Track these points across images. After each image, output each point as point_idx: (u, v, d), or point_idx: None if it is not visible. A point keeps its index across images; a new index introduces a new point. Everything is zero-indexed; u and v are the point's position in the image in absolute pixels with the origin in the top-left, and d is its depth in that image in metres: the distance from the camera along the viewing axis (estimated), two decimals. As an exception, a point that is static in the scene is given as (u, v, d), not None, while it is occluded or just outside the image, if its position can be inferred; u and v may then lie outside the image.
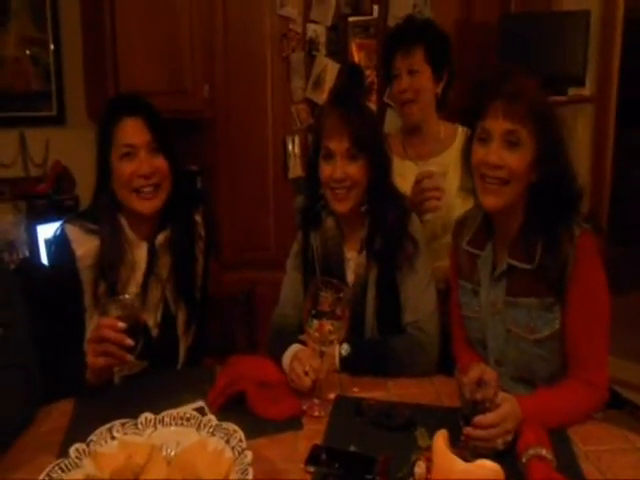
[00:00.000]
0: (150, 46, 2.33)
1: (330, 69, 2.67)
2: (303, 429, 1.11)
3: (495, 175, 1.17)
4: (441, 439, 0.76)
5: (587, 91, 3.10)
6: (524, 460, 0.94)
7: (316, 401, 1.17)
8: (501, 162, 1.16)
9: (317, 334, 1.14)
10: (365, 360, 1.31)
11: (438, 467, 0.74)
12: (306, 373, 1.18)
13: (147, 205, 1.36)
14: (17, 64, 2.33)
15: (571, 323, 1.16)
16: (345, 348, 1.32)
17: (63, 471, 0.85)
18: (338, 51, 2.73)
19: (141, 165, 1.34)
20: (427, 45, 1.66)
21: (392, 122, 2.77)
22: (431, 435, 0.96)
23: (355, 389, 1.24)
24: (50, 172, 2.37)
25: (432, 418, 1.08)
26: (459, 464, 0.73)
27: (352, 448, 1.02)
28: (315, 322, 1.14)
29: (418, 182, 1.50)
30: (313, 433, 1.09)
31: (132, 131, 1.35)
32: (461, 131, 1.71)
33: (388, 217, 1.36)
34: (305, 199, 1.48)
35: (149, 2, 2.33)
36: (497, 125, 1.16)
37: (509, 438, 1.00)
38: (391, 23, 2.81)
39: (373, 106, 2.79)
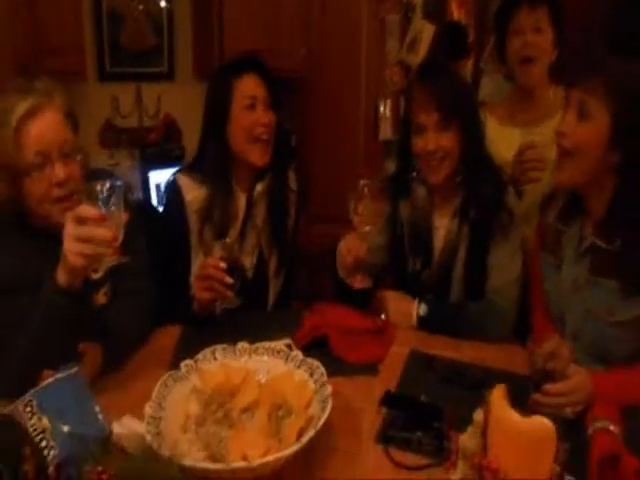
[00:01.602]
0: (252, 8, 2.41)
1: (426, 31, 2.63)
2: (378, 375, 1.21)
3: (559, 142, 1.17)
4: (499, 392, 0.82)
5: None
6: (590, 432, 0.96)
7: (359, 277, 1.32)
8: (565, 129, 1.16)
9: (354, 216, 1.27)
10: (441, 320, 1.38)
11: (494, 416, 0.80)
12: (349, 251, 1.31)
13: (263, 157, 1.50)
14: (135, 23, 2.51)
15: None
16: (423, 308, 1.39)
17: (175, 381, 1.01)
18: (435, 12, 2.68)
19: (262, 116, 1.48)
20: (551, 5, 1.61)
21: (486, 89, 2.70)
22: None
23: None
24: (161, 123, 2.58)
25: (502, 382, 1.12)
26: (514, 415, 0.79)
27: (423, 398, 1.09)
28: (351, 204, 1.27)
29: (521, 152, 1.49)
30: (387, 380, 1.18)
31: (253, 85, 1.49)
32: None
33: (484, 189, 1.38)
34: (397, 169, 1.53)
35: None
36: (573, 94, 1.16)
37: (578, 409, 1.03)
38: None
39: (470, 66, 2.73)
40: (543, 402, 1.03)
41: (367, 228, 1.30)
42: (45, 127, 1.09)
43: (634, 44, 2.28)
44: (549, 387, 1.03)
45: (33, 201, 1.11)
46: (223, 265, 1.29)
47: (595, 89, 1.12)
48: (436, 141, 1.35)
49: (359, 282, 1.34)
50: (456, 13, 2.84)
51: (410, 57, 2.61)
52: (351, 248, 1.32)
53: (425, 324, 1.39)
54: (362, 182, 1.27)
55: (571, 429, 0.96)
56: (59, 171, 1.10)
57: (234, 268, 1.31)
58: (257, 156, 1.50)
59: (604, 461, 0.90)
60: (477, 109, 1.48)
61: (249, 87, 1.48)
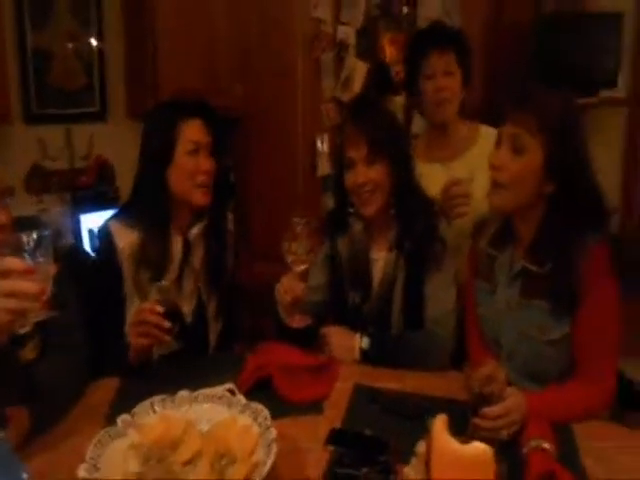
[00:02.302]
0: (187, 46, 2.42)
1: (359, 69, 2.73)
2: (323, 413, 1.20)
3: (494, 177, 1.24)
4: (440, 422, 0.84)
5: (620, 93, 3.10)
6: (525, 451, 1.00)
7: (297, 316, 1.35)
8: (500, 164, 1.22)
9: (289, 255, 1.29)
10: (383, 353, 1.40)
11: (435, 446, 0.83)
12: (285, 292, 1.33)
13: (204, 199, 1.49)
14: (64, 62, 2.46)
15: (580, 329, 1.21)
16: (365, 341, 1.41)
17: (111, 438, 0.96)
18: (367, 51, 2.79)
19: (204, 163, 1.48)
20: (458, 50, 1.73)
21: (419, 121, 2.83)
22: (441, 424, 1.04)
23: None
24: (93, 165, 2.50)
25: (442, 409, 1.13)
26: (453, 444, 0.81)
27: (367, 432, 1.09)
28: (286, 244, 1.29)
29: (446, 190, 1.55)
30: (332, 417, 1.18)
31: (198, 130, 1.48)
32: (484, 130, 1.77)
33: (417, 220, 1.42)
34: (334, 205, 1.56)
35: (187, 5, 2.41)
36: (505, 129, 1.23)
37: (514, 429, 1.07)
38: (421, 23, 2.86)
39: (401, 100, 2.84)
40: (483, 426, 1.06)
41: (302, 267, 1.31)
42: None
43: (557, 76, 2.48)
44: (487, 411, 1.06)
45: None
46: (160, 309, 1.26)
47: (528, 123, 1.18)
48: (365, 174, 1.40)
49: (297, 321, 1.35)
50: (388, 51, 2.96)
51: (344, 95, 2.69)
52: (288, 288, 1.33)
53: (368, 357, 1.40)
54: (295, 220, 1.29)
55: (507, 450, 0.99)
56: None
57: (172, 311, 1.28)
58: (198, 197, 1.48)
59: (540, 479, 0.93)
60: (406, 143, 1.55)
61: (194, 132, 1.47)
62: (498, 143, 1.25)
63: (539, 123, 1.18)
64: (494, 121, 1.70)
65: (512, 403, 1.08)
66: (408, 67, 1.81)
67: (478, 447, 0.82)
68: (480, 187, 1.56)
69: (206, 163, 1.48)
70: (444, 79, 1.71)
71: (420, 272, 1.44)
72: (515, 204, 1.24)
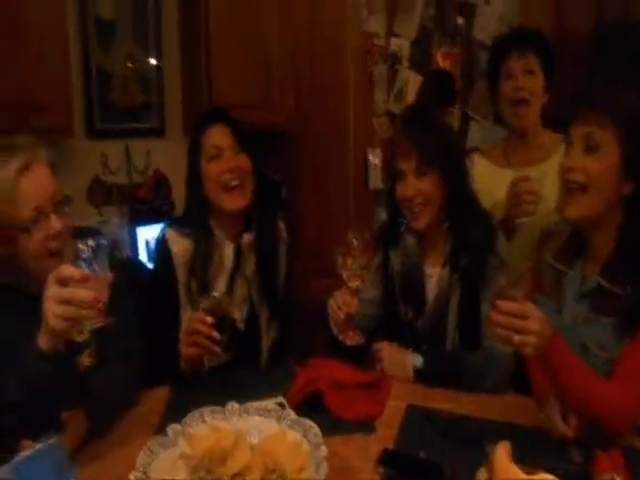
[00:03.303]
0: (241, 63, 2.46)
1: (412, 81, 2.72)
2: (375, 432, 1.16)
3: (571, 178, 1.15)
4: (502, 450, 0.78)
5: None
6: (597, 484, 0.93)
7: (351, 333, 1.32)
8: (574, 164, 1.15)
9: (343, 271, 1.26)
10: (438, 372, 1.34)
11: (498, 477, 0.77)
12: (339, 308, 1.30)
13: (236, 202, 1.50)
14: (124, 81, 2.57)
15: (633, 345, 1.11)
16: (419, 360, 1.36)
17: (161, 447, 0.96)
18: (421, 63, 2.77)
19: (227, 162, 1.50)
20: (540, 51, 1.68)
21: (477, 135, 2.76)
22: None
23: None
24: (150, 179, 2.59)
25: (503, 434, 1.07)
26: (519, 475, 0.75)
27: (422, 455, 1.04)
28: (340, 259, 1.26)
29: (514, 185, 1.50)
30: (384, 437, 1.13)
31: (217, 135, 1.52)
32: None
33: (472, 234, 1.38)
34: (387, 218, 1.54)
35: (241, 23, 2.46)
36: (575, 130, 1.16)
37: (529, 340, 1.00)
38: (477, 35, 2.81)
39: (457, 112, 2.79)
40: (494, 318, 1.01)
41: (357, 283, 1.28)
42: (38, 182, 1.12)
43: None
44: (501, 302, 1.00)
45: (29, 258, 1.11)
46: (210, 320, 1.26)
47: (600, 120, 1.12)
48: (415, 186, 1.37)
49: (351, 338, 1.33)
50: (441, 63, 2.93)
51: (397, 107, 2.68)
52: (341, 304, 1.30)
53: (421, 376, 1.35)
54: (350, 235, 1.27)
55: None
56: (55, 223, 1.11)
57: (223, 322, 1.28)
58: (228, 202, 1.50)
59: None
60: (461, 155, 1.51)
61: (213, 138, 1.52)
62: (568, 148, 1.18)
63: (611, 117, 1.11)
64: (556, 127, 1.64)
65: (532, 309, 1.01)
66: (489, 68, 1.77)
67: (545, 478, 0.76)
68: (550, 190, 1.48)
69: (231, 162, 1.50)
70: (524, 78, 1.66)
71: (476, 288, 1.38)
72: (593, 211, 1.15)
